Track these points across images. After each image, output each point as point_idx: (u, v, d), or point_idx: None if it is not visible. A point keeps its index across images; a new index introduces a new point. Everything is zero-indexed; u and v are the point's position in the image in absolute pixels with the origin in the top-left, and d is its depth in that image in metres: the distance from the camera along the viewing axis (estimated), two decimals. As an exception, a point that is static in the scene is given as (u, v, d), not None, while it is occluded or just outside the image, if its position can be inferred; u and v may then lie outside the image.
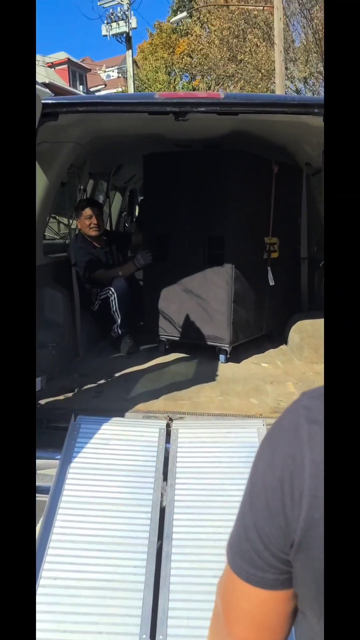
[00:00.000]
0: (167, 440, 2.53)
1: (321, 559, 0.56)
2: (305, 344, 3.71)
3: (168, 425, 2.64)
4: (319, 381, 3.24)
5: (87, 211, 4.00)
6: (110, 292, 3.87)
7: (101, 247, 4.16)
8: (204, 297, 3.59)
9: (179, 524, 2.10)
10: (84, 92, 27.13)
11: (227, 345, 3.58)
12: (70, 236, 3.93)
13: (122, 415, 2.72)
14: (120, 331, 3.86)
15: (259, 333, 3.97)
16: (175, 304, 3.71)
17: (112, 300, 3.86)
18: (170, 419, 2.69)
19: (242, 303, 3.62)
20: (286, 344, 4.02)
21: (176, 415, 2.74)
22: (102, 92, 29.07)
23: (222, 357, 3.62)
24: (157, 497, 2.24)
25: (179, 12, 21.83)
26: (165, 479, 2.33)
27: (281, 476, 0.59)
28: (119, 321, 3.86)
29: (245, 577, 0.65)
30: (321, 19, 15.54)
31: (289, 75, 17.51)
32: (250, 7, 16.60)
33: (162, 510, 2.18)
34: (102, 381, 3.21)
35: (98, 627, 1.74)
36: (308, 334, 3.76)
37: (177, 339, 3.77)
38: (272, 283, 3.81)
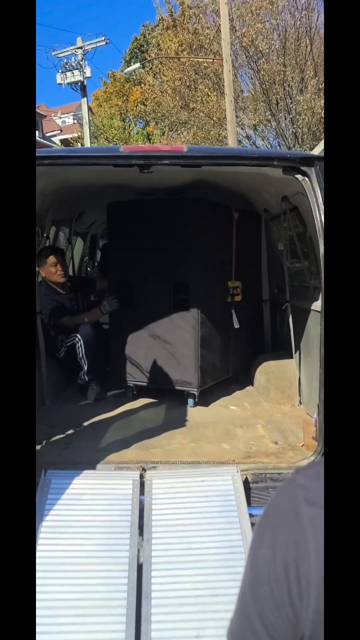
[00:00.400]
0: (142, 492, 2.48)
1: None
2: (272, 385, 3.76)
3: (141, 476, 2.58)
4: (287, 422, 3.27)
5: (52, 259, 3.98)
6: (77, 339, 3.82)
7: (66, 293, 4.13)
8: (171, 341, 3.61)
9: (157, 582, 2.04)
10: (39, 137, 27.45)
11: (196, 390, 3.58)
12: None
13: (94, 467, 2.65)
14: (87, 378, 3.80)
15: (226, 375, 4.00)
16: (142, 349, 3.70)
17: (78, 347, 3.81)
18: (144, 469, 2.64)
19: (209, 347, 3.66)
20: (252, 386, 4.06)
21: (149, 464, 2.69)
22: (58, 137, 29.48)
23: (190, 401, 3.61)
24: (134, 553, 2.17)
25: (132, 63, 22.70)
26: (141, 533, 2.27)
27: (285, 563, 0.56)
28: (85, 368, 3.81)
29: None
30: (267, 71, 16.45)
31: (239, 123, 18.29)
32: (200, 60, 17.42)
33: (140, 568, 2.11)
34: (71, 431, 3.14)
35: None
36: (274, 375, 3.82)
37: (145, 384, 3.75)
38: (237, 326, 3.87)
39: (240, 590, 0.63)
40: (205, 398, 3.73)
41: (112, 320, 3.92)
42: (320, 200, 2.51)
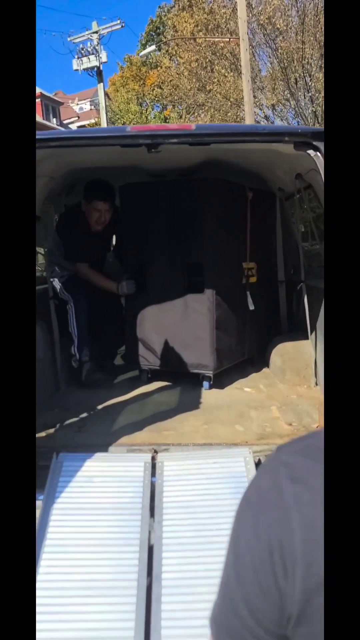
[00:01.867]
0: (153, 474, 2.47)
1: (323, 632, 0.51)
2: (287, 367, 3.70)
3: (153, 458, 2.58)
4: (302, 404, 3.23)
5: (99, 204, 3.62)
6: (69, 306, 3.64)
7: (96, 235, 3.77)
8: (186, 325, 3.57)
9: (168, 563, 2.03)
10: (57, 125, 27.45)
11: (211, 372, 3.55)
12: (46, 264, 3.78)
13: (106, 450, 2.65)
14: (78, 355, 3.61)
15: (242, 358, 3.95)
16: (157, 333, 3.67)
17: (70, 315, 3.63)
18: (155, 452, 2.63)
19: (224, 329, 3.61)
20: (268, 368, 4.01)
21: (161, 447, 2.69)
22: (76, 124, 29.43)
23: (205, 384, 3.58)
24: (145, 535, 2.17)
25: (147, 46, 22.41)
26: (152, 515, 2.26)
27: (269, 545, 0.54)
28: (76, 341, 3.61)
29: None
30: (285, 49, 16.07)
31: (257, 103, 17.97)
32: (216, 40, 17.10)
33: (151, 549, 2.11)
34: (84, 415, 3.14)
35: None
36: (289, 357, 3.77)
37: (160, 368, 3.72)
38: (252, 307, 3.81)
39: (223, 575, 0.61)
40: (220, 380, 3.70)
41: (126, 304, 3.87)
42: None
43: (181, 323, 3.59)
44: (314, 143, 2.47)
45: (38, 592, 1.89)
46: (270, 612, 0.54)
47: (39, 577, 1.95)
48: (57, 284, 3.65)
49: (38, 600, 1.86)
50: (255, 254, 3.87)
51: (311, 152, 2.51)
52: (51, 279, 3.65)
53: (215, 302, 3.49)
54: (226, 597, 0.59)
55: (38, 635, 1.73)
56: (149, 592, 1.93)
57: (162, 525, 2.20)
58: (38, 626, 1.77)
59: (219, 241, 3.51)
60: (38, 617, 1.80)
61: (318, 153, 2.51)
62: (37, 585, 1.92)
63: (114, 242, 5.81)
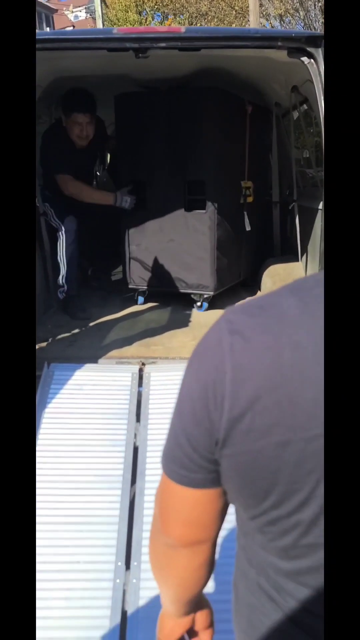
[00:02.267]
0: (140, 384, 2.59)
1: (242, 452, 0.61)
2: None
3: (141, 370, 2.69)
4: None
5: (79, 117, 3.35)
6: (60, 234, 3.47)
7: (83, 151, 3.53)
8: (186, 244, 3.51)
9: (151, 461, 2.18)
10: (50, 35, 25.75)
11: (212, 293, 3.53)
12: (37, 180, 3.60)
13: (96, 362, 2.76)
14: (66, 287, 3.49)
15: (237, 279, 3.96)
16: (155, 253, 3.61)
17: (60, 244, 3.47)
18: (143, 364, 2.74)
19: (224, 249, 3.56)
20: (260, 290, 4.05)
21: (149, 360, 2.79)
22: (70, 35, 27.58)
23: (204, 304, 3.59)
24: (131, 437, 2.31)
25: None
26: (138, 420, 2.40)
27: (205, 384, 0.63)
28: (63, 272, 3.46)
29: (178, 479, 0.69)
30: None
31: (264, 13, 16.78)
32: None
33: (136, 450, 2.26)
34: (76, 330, 3.23)
35: (76, 557, 1.83)
36: (280, 278, 3.79)
37: (159, 289, 3.69)
38: (248, 228, 3.76)
39: (171, 417, 0.71)
40: (212, 301, 3.75)
41: (123, 222, 3.71)
42: (327, 85, 2.34)
43: (181, 242, 3.52)
44: (308, 49, 2.36)
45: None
46: (203, 438, 0.64)
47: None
48: (48, 208, 3.50)
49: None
50: (253, 172, 3.78)
51: (305, 59, 2.41)
52: (43, 203, 3.51)
53: (216, 222, 3.41)
54: (171, 432, 0.70)
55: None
56: (133, 485, 2.09)
57: (147, 428, 2.34)
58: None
59: (220, 157, 3.38)
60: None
61: (312, 60, 2.40)
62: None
63: (107, 161, 5.63)
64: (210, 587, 1.61)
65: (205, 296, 3.58)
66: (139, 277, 3.72)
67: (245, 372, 0.60)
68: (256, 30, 2.95)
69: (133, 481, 2.11)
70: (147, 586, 1.72)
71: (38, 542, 1.87)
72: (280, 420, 0.58)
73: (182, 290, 3.61)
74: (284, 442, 0.58)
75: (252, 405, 0.59)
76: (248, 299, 0.68)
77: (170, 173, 3.44)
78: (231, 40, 2.44)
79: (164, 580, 0.83)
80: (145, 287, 3.74)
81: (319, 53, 2.37)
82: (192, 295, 3.64)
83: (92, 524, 1.96)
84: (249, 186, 3.80)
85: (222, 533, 0.81)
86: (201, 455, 0.66)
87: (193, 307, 3.64)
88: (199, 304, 3.62)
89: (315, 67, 2.41)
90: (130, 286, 3.76)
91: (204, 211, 3.42)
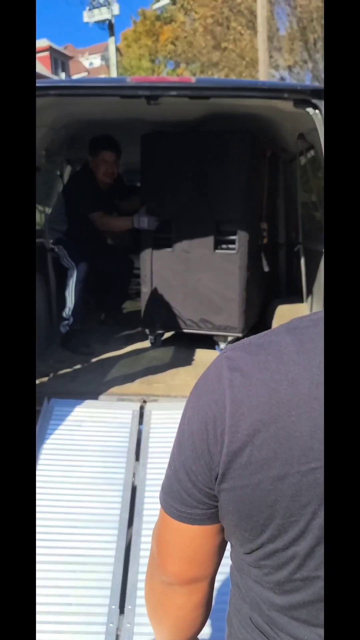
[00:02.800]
0: (141, 422, 2.57)
1: (240, 486, 0.62)
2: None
3: (142, 407, 2.68)
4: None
5: (106, 155, 3.61)
6: (71, 272, 3.56)
7: (106, 190, 3.77)
8: (214, 285, 3.46)
9: (150, 501, 2.15)
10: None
11: (240, 334, 3.46)
12: (45, 220, 3.74)
13: (96, 398, 2.75)
14: (72, 319, 3.53)
15: (255, 320, 3.89)
16: (182, 293, 3.54)
17: (70, 281, 3.55)
18: (144, 401, 2.73)
19: (250, 290, 3.53)
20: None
21: (150, 397, 2.78)
22: (86, 80, 28.67)
23: (221, 355, 3.52)
24: (129, 476, 2.28)
25: (162, -1, 21.61)
26: (137, 458, 2.37)
27: (205, 419, 0.65)
28: (70, 304, 3.51)
29: (176, 515, 0.70)
30: (305, 7, 15.51)
31: (274, 64, 17.47)
32: (233, -6, 16.51)
33: (134, 489, 2.22)
34: (78, 366, 3.23)
35: (68, 599, 1.78)
36: (285, 319, 3.76)
37: (184, 330, 3.61)
38: (267, 269, 3.76)
39: (170, 453, 0.72)
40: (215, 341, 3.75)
41: (145, 263, 3.62)
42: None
43: (209, 283, 3.47)
44: (313, 101, 2.46)
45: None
46: (203, 472, 0.66)
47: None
48: (61, 250, 3.61)
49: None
50: (268, 214, 3.83)
51: (310, 110, 2.50)
52: (54, 246, 3.62)
53: (246, 262, 3.39)
54: (170, 466, 0.71)
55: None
56: (130, 526, 2.05)
57: (146, 467, 2.32)
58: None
59: (249, 198, 3.39)
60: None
61: (317, 111, 2.49)
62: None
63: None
64: (206, 633, 1.56)
65: (230, 338, 3.50)
66: (162, 320, 3.61)
67: (244, 407, 0.61)
68: (263, 83, 3.08)
69: (130, 521, 2.07)
70: (141, 631, 1.66)
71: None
72: (277, 453, 0.59)
73: (209, 332, 3.52)
74: (281, 476, 0.59)
75: (250, 439, 0.61)
76: (247, 337, 0.71)
77: (198, 212, 3.41)
78: (239, 91, 2.54)
79: (158, 621, 0.81)
80: (170, 328, 3.65)
81: (323, 104, 2.46)
82: (214, 337, 3.58)
83: (87, 564, 1.91)
84: (264, 228, 3.84)
85: (219, 577, 0.80)
86: (200, 490, 0.67)
87: (214, 347, 3.57)
88: (222, 346, 3.55)
89: (320, 117, 2.50)
90: (146, 328, 3.68)
91: (234, 251, 3.40)
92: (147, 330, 3.71)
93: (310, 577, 0.62)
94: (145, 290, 3.64)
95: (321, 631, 0.63)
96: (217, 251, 3.44)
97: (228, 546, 0.74)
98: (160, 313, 3.61)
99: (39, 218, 4.00)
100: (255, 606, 0.70)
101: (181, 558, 0.73)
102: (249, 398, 0.61)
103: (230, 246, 3.42)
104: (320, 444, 0.57)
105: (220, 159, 3.30)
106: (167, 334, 3.76)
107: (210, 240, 3.43)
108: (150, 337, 3.71)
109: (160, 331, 3.70)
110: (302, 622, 0.65)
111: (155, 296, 3.62)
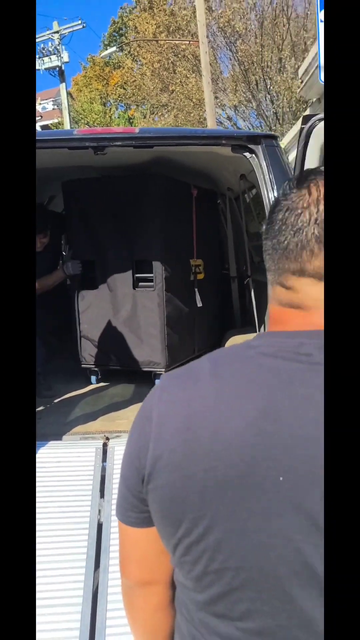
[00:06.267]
0: (104, 459, 2.62)
1: (161, 486, 0.73)
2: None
3: (105, 445, 2.73)
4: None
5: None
6: None
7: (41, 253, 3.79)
8: (136, 322, 3.61)
9: (115, 537, 2.18)
10: (20, 125, 26.99)
11: (163, 370, 3.58)
12: None
13: (60, 439, 2.78)
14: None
15: (191, 355, 4.02)
16: (107, 331, 3.68)
17: None
18: (107, 438, 2.78)
19: (175, 326, 3.68)
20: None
21: (113, 434, 2.83)
22: (39, 124, 29.09)
23: (157, 381, 3.66)
24: (95, 513, 2.31)
25: (110, 47, 22.42)
26: (102, 496, 2.41)
27: (138, 430, 0.78)
28: None
29: (122, 518, 0.81)
30: (245, 51, 16.38)
31: (220, 104, 18.24)
32: (177, 42, 17.30)
33: (100, 526, 2.25)
34: (41, 408, 3.26)
35: (37, 644, 1.79)
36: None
37: (110, 367, 3.73)
38: (199, 304, 3.89)
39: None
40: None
41: (75, 302, 3.80)
42: (267, 177, 2.61)
43: (131, 320, 3.61)
44: (249, 146, 2.66)
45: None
46: (133, 477, 0.77)
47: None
48: None
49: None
50: (202, 251, 3.97)
51: (247, 154, 2.69)
52: None
53: (165, 299, 3.55)
54: (118, 489, 0.83)
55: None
56: (97, 563, 2.08)
57: (111, 504, 2.34)
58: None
59: (166, 237, 3.56)
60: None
61: (253, 155, 2.69)
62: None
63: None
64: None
65: (157, 372, 3.61)
66: (89, 356, 3.74)
67: (166, 418, 0.75)
68: (203, 131, 3.30)
69: (97, 559, 2.09)
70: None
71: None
72: (187, 455, 0.71)
73: (134, 368, 3.64)
74: (189, 475, 0.70)
75: (169, 444, 0.72)
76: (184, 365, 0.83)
77: (119, 253, 3.60)
78: (180, 139, 2.72)
79: (131, 623, 0.90)
80: (96, 366, 3.73)
81: (259, 149, 2.66)
82: (153, 373, 3.66)
83: (54, 606, 1.92)
84: (198, 264, 3.98)
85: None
86: (134, 495, 0.78)
87: (154, 382, 3.69)
88: (157, 380, 3.68)
89: (256, 160, 2.69)
90: (82, 365, 3.77)
91: (152, 288, 3.56)
92: (87, 371, 3.77)
93: (221, 569, 0.70)
94: (77, 331, 3.76)
95: (240, 624, 0.71)
96: (137, 289, 3.60)
97: None
98: (92, 351, 3.73)
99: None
100: (186, 611, 0.78)
101: (133, 560, 0.83)
102: (169, 411, 0.75)
103: (149, 284, 3.57)
104: (219, 445, 0.69)
105: (138, 202, 3.47)
106: (124, 373, 3.79)
107: (129, 278, 3.59)
108: (92, 377, 3.76)
109: (94, 368, 3.76)
110: (221, 617, 0.73)
111: (83, 335, 3.74)
